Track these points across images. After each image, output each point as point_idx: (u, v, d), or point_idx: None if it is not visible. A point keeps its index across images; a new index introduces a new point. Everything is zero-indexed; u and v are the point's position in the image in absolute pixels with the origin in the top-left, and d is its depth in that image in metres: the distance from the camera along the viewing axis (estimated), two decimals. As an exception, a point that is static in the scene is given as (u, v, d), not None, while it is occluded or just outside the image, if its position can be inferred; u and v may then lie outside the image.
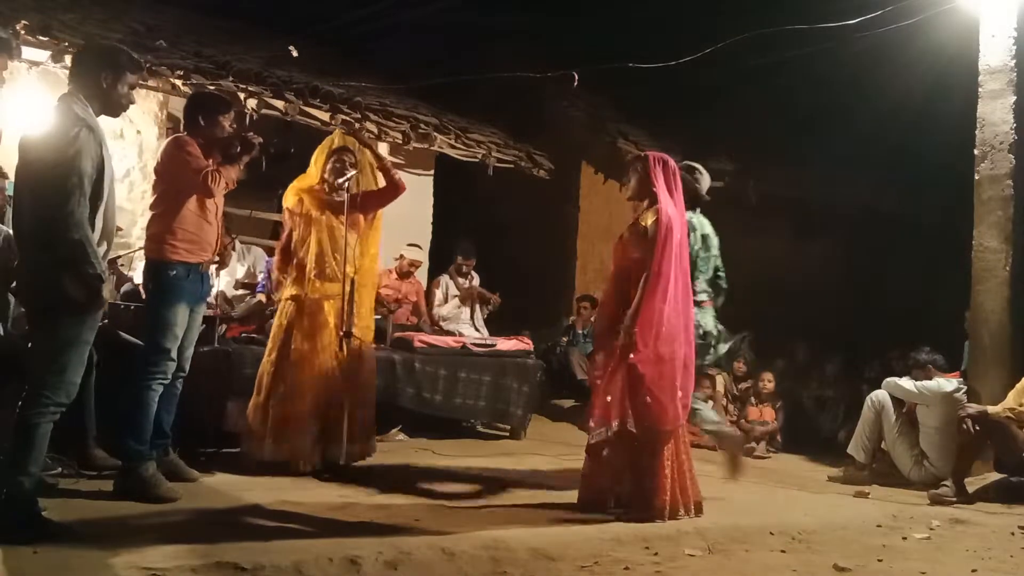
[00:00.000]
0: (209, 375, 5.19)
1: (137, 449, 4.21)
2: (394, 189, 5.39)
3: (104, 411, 4.57)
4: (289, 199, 5.23)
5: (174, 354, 4.36)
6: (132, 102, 3.75)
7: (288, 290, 5.18)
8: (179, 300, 4.34)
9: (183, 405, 4.66)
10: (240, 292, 6.39)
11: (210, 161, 4.37)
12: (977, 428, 5.53)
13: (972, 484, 5.62)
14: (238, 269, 6.79)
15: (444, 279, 7.81)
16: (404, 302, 7.51)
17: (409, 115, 8.46)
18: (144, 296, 4.55)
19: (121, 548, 3.29)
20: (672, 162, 4.64)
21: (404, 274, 7.65)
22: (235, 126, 4.58)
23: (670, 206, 4.49)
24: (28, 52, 5.98)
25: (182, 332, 4.39)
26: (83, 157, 3.37)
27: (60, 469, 4.27)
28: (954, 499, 5.37)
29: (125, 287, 5.78)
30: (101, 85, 3.57)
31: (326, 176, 5.22)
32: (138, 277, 5.88)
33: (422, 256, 7.82)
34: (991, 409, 5.59)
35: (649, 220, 4.48)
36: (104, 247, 3.50)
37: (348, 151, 5.30)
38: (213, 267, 4.72)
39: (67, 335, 3.40)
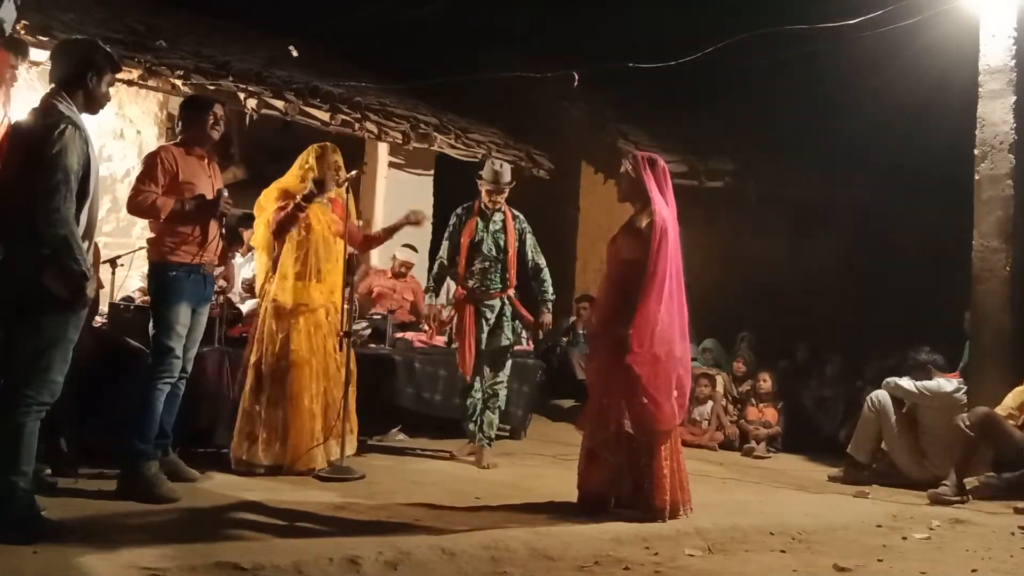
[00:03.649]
0: (210, 375, 5.20)
1: (141, 448, 4.23)
2: (377, 242, 5.74)
3: (95, 411, 4.57)
4: (272, 199, 5.18)
5: (179, 352, 4.39)
6: (110, 99, 3.76)
7: (274, 293, 5.12)
8: (180, 299, 4.37)
9: (185, 404, 4.67)
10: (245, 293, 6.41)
11: (159, 188, 4.38)
12: (972, 432, 5.53)
13: (971, 483, 5.62)
14: (247, 270, 6.80)
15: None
16: (400, 301, 7.51)
17: (409, 115, 8.47)
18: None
19: (121, 548, 3.30)
20: (661, 161, 4.64)
21: (398, 274, 7.67)
22: (218, 125, 4.58)
23: (663, 206, 4.49)
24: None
25: (185, 331, 4.41)
26: (68, 154, 3.36)
27: (49, 469, 4.24)
28: (954, 498, 5.37)
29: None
30: (87, 84, 3.57)
31: (322, 177, 5.18)
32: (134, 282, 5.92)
33: (415, 258, 7.83)
34: (981, 410, 5.61)
35: (644, 221, 4.49)
36: (87, 244, 3.49)
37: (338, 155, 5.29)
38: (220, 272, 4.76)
39: (51, 333, 3.38)
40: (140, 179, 4.43)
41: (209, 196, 4.47)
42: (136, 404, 4.31)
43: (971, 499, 5.42)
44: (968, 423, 5.53)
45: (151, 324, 4.43)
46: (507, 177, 5.97)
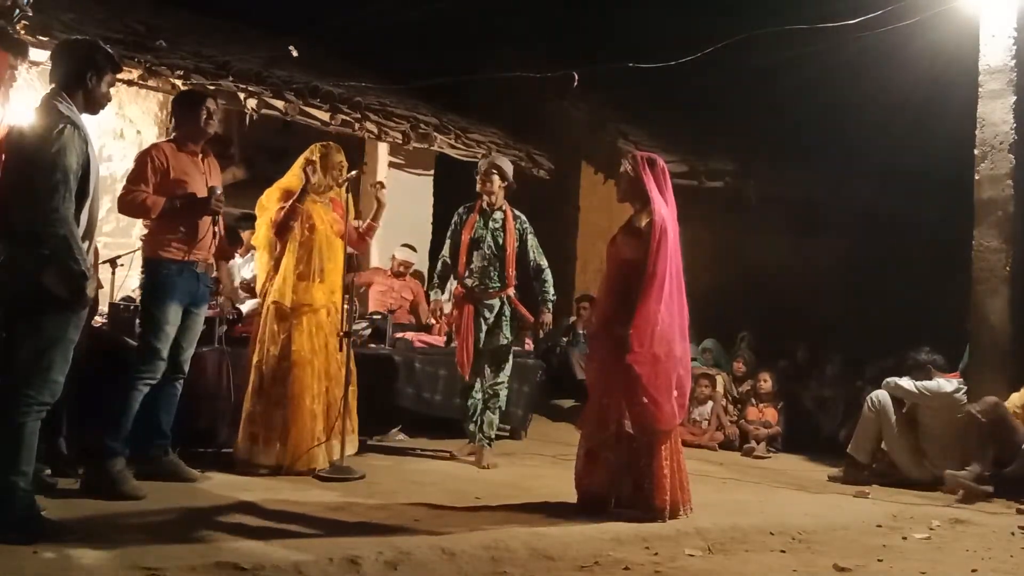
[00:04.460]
0: (209, 375, 5.20)
1: (110, 446, 4.21)
2: (370, 234, 5.55)
3: (95, 411, 4.57)
4: (275, 199, 5.18)
5: (164, 354, 4.36)
6: (110, 100, 3.76)
7: (277, 293, 5.10)
8: (170, 298, 4.36)
9: (184, 404, 4.67)
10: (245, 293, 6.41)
11: (149, 186, 4.39)
12: (984, 418, 5.54)
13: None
14: (247, 270, 6.80)
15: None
16: (400, 301, 7.51)
17: (409, 115, 8.47)
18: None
19: (121, 548, 3.29)
20: (660, 161, 4.64)
21: (397, 274, 7.67)
22: (212, 119, 4.57)
23: (663, 206, 4.49)
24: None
25: (174, 331, 4.39)
26: (68, 154, 3.36)
27: (49, 470, 4.23)
28: (974, 484, 5.36)
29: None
30: (87, 84, 3.57)
31: (323, 176, 5.18)
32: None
33: (414, 257, 7.83)
34: (991, 400, 5.63)
35: (643, 221, 4.49)
36: (87, 244, 3.49)
37: (341, 155, 5.30)
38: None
39: (51, 333, 3.38)
40: (130, 178, 4.45)
41: (202, 193, 4.46)
42: (115, 402, 4.29)
43: (991, 489, 5.42)
44: (979, 410, 5.55)
45: (138, 322, 4.42)
46: (503, 164, 5.96)
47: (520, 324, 6.07)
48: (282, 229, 5.10)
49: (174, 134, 4.61)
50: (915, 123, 8.54)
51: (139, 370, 4.32)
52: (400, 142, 8.22)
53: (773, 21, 6.68)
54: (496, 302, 5.85)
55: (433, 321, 6.46)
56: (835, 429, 7.33)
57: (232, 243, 6.60)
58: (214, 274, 4.80)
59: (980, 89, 6.15)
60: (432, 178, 9.14)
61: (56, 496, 3.96)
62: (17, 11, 5.35)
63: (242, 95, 6.99)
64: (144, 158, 4.47)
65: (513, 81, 8.11)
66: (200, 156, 4.59)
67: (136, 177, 4.42)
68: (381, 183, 5.57)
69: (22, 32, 5.85)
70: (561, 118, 10.07)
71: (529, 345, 7.09)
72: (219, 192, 4.51)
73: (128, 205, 4.41)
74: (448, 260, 6.04)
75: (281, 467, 4.93)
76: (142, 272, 4.51)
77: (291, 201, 5.07)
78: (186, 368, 4.59)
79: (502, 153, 8.70)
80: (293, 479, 4.83)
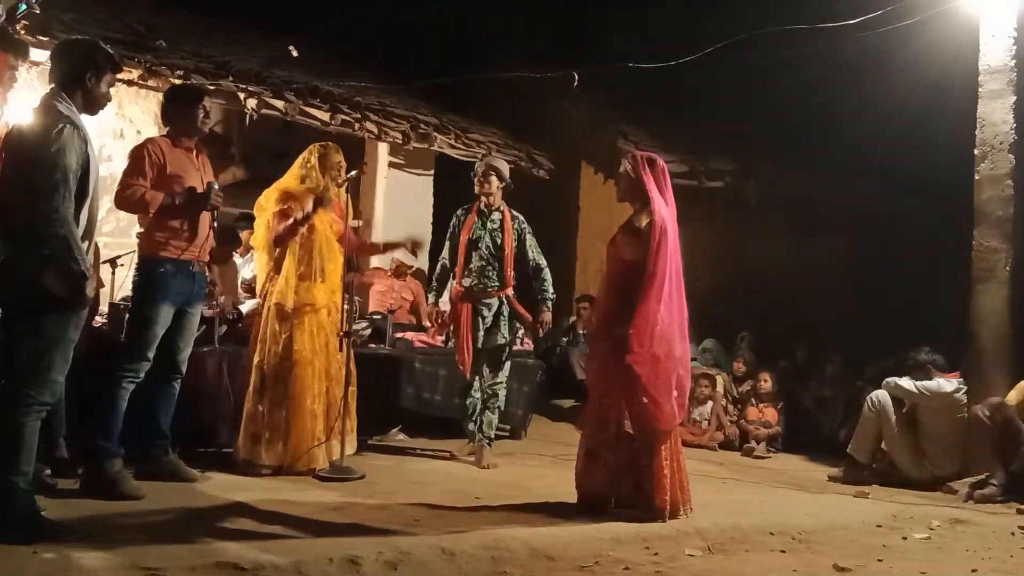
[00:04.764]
0: (209, 375, 5.20)
1: (104, 446, 4.20)
2: (372, 251, 5.71)
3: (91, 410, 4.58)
4: (273, 200, 5.17)
5: (150, 354, 4.33)
6: (110, 100, 3.75)
7: (278, 294, 5.11)
8: (163, 299, 4.33)
9: (184, 404, 4.66)
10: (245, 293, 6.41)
11: (145, 181, 4.34)
12: (992, 420, 5.53)
13: (966, 484, 5.63)
14: (247, 270, 6.80)
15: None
16: (400, 301, 7.52)
17: (409, 115, 8.47)
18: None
19: (121, 548, 3.29)
20: (660, 160, 4.64)
21: (397, 274, 7.67)
22: (208, 117, 4.56)
23: (663, 206, 4.49)
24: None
25: (162, 332, 4.36)
26: (67, 153, 3.36)
27: (49, 470, 4.22)
28: (1001, 497, 5.34)
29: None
30: (86, 84, 3.57)
31: (323, 176, 5.19)
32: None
33: (411, 259, 7.83)
34: (995, 400, 5.62)
35: (643, 221, 4.49)
36: (87, 244, 3.49)
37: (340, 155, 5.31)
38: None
39: (52, 333, 3.38)
40: (127, 173, 4.38)
41: (199, 189, 4.43)
42: (101, 402, 4.28)
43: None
44: (988, 413, 5.54)
45: (127, 319, 4.40)
46: (500, 165, 5.99)
47: (520, 323, 6.08)
48: (280, 242, 5.12)
49: (168, 129, 4.58)
50: (915, 123, 8.53)
51: (124, 368, 4.30)
52: (400, 142, 8.23)
53: (773, 21, 6.68)
54: (494, 301, 5.86)
55: (429, 324, 6.47)
56: (835, 429, 7.32)
57: (230, 243, 6.61)
58: (209, 275, 4.78)
59: (980, 89, 6.15)
60: (432, 178, 9.14)
61: (56, 496, 3.97)
62: (23, 6, 5.32)
63: (242, 95, 6.99)
64: (140, 152, 4.40)
65: (513, 81, 8.11)
66: (194, 152, 4.57)
67: (133, 171, 4.35)
68: (419, 243, 5.73)
69: (22, 32, 5.85)
70: (561, 118, 10.07)
71: (529, 345, 7.09)
72: (216, 187, 4.49)
73: (126, 200, 4.34)
74: (447, 263, 6.05)
75: (281, 467, 4.93)
76: (136, 270, 4.49)
77: (293, 221, 5.05)
78: (183, 368, 4.58)
79: (502, 153, 8.71)
80: (293, 479, 4.83)
